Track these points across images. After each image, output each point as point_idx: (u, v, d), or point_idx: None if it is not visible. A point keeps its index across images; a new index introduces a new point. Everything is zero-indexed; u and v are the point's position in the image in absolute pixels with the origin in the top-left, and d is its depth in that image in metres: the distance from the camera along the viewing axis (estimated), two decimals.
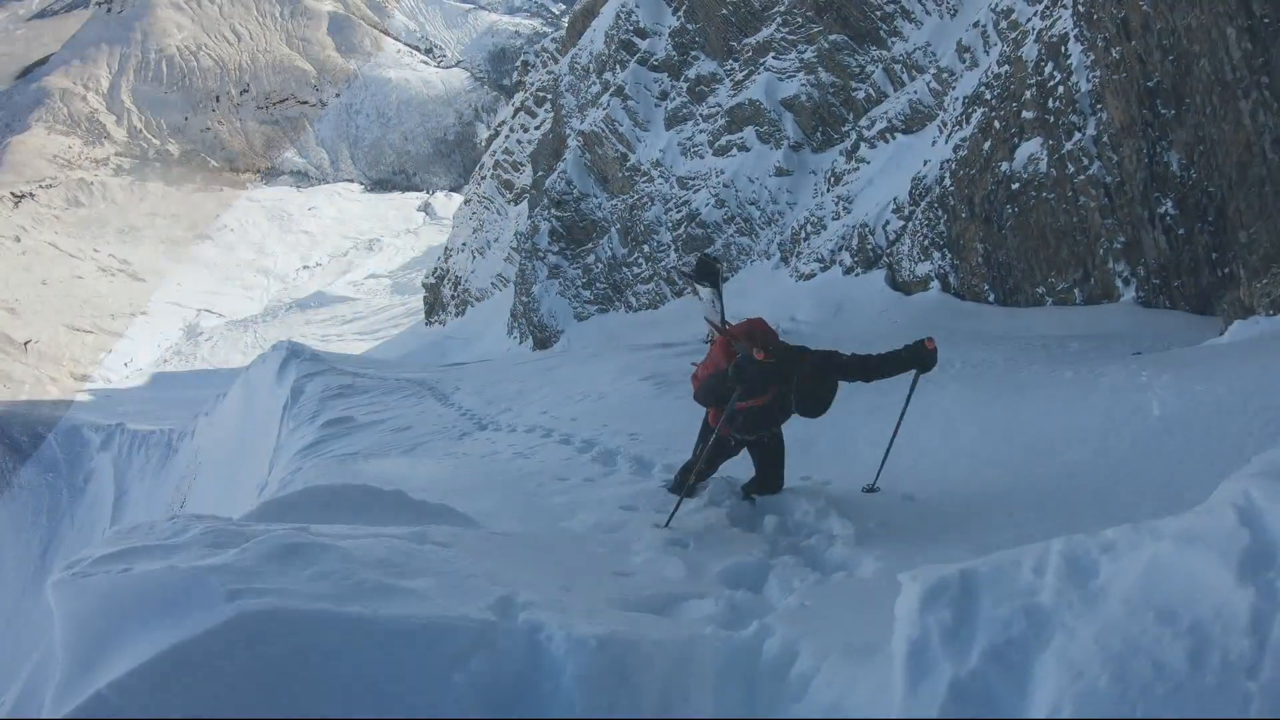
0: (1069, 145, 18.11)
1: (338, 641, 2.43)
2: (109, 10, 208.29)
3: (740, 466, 6.19)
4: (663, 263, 43.03)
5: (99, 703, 2.15)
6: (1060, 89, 18.53)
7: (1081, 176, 17.64)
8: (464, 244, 72.12)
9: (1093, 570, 2.07)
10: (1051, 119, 18.74)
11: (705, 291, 6.06)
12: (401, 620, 2.56)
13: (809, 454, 7.25)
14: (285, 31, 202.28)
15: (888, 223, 27.57)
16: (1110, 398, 6.77)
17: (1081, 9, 17.90)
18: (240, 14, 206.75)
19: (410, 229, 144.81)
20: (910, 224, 25.51)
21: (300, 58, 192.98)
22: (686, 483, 5.76)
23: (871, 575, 4.23)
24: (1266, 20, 10.63)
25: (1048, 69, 19.04)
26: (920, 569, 2.31)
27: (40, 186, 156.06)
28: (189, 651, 2.28)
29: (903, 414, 5.78)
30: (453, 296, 70.02)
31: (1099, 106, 17.27)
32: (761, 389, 5.17)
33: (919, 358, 5.14)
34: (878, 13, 33.44)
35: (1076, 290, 18.08)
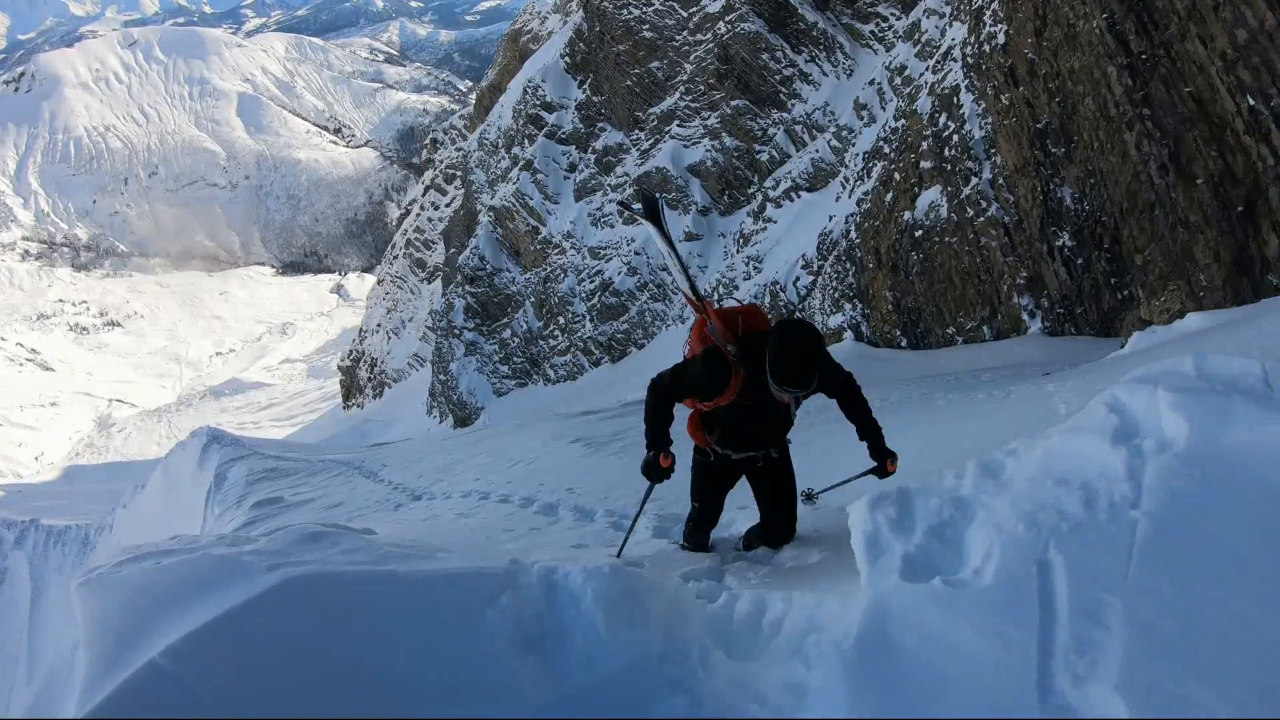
0: (967, 190, 18.67)
1: (380, 592, 2.63)
2: (16, 89, 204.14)
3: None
4: (579, 333, 43.02)
5: (153, 672, 2.17)
6: (955, 137, 19.17)
7: (981, 218, 18.17)
8: (379, 325, 71.32)
9: (1001, 468, 2.66)
10: (949, 166, 19.33)
11: (649, 228, 5.03)
12: (434, 573, 2.81)
13: None
14: (194, 113, 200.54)
15: (798, 279, 28.03)
16: (1020, 408, 6.90)
17: (970, 60, 18.64)
18: (149, 95, 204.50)
19: (324, 311, 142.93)
20: (820, 278, 25.93)
21: (209, 139, 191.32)
22: (693, 535, 5.12)
23: (819, 560, 4.23)
24: (1144, 56, 11.13)
25: (942, 119, 19.71)
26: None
27: None
28: (240, 614, 2.37)
29: (847, 481, 5.21)
30: (370, 379, 68.94)
31: (993, 151, 17.89)
32: (714, 385, 4.31)
33: (880, 469, 4.52)
34: (776, 77, 34.44)
35: (985, 327, 18.50)
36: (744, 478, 4.87)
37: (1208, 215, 9.65)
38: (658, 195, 5.22)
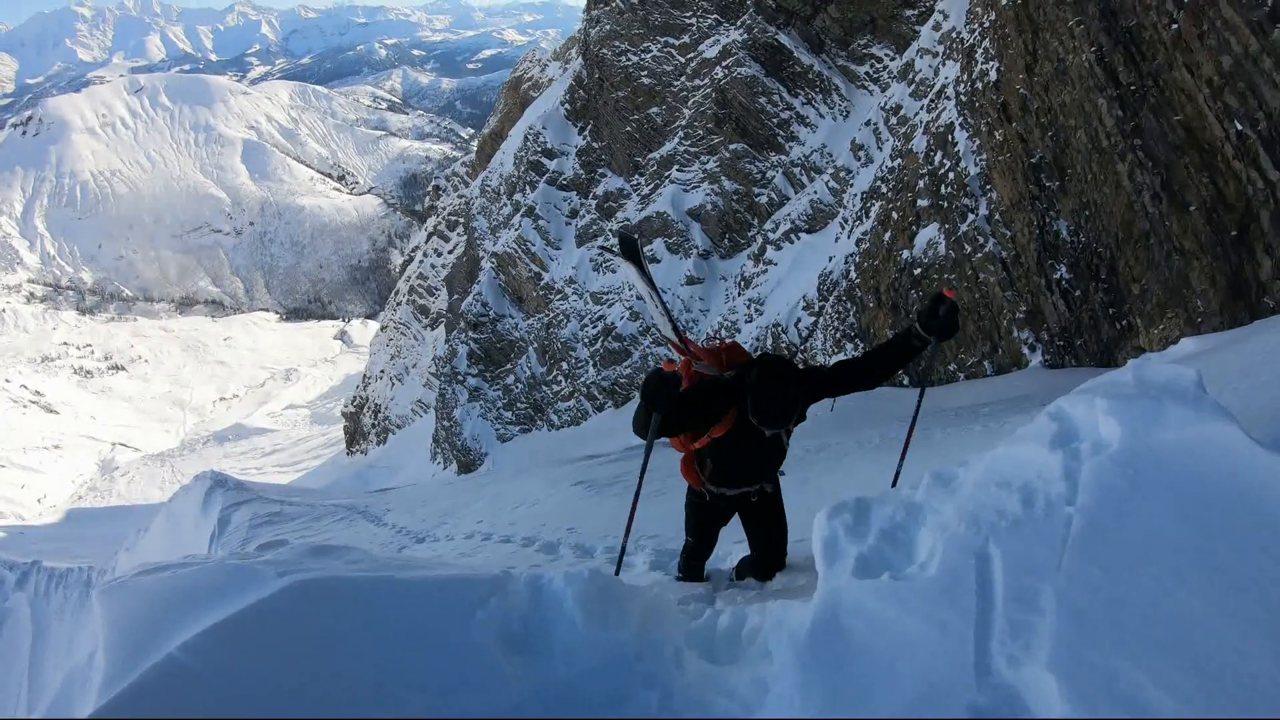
0: (964, 227, 18.72)
1: (379, 595, 2.86)
2: (24, 133, 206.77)
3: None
4: (581, 379, 43.01)
5: (171, 665, 2.31)
6: (951, 175, 19.27)
7: (979, 254, 18.20)
8: (382, 371, 71.38)
9: (952, 477, 2.85)
10: (945, 204, 19.41)
11: (630, 271, 4.89)
12: (431, 579, 3.05)
13: None
14: (199, 159, 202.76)
15: (799, 320, 28.06)
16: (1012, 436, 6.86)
17: (964, 99, 18.79)
18: (155, 141, 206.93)
19: (327, 358, 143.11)
20: (821, 319, 25.95)
21: (214, 185, 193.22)
22: (688, 566, 5.16)
23: (805, 584, 4.32)
24: (1133, 87, 11.21)
25: (938, 158, 19.83)
26: None
27: None
28: (253, 613, 2.55)
29: (917, 412, 4.92)
30: (373, 425, 68.85)
31: (988, 187, 17.96)
32: (702, 417, 4.20)
33: (935, 319, 3.98)
34: (774, 120, 34.76)
35: (986, 363, 18.43)
36: (737, 515, 4.83)
37: (1202, 241, 9.65)
38: (636, 237, 5.04)
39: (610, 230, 42.76)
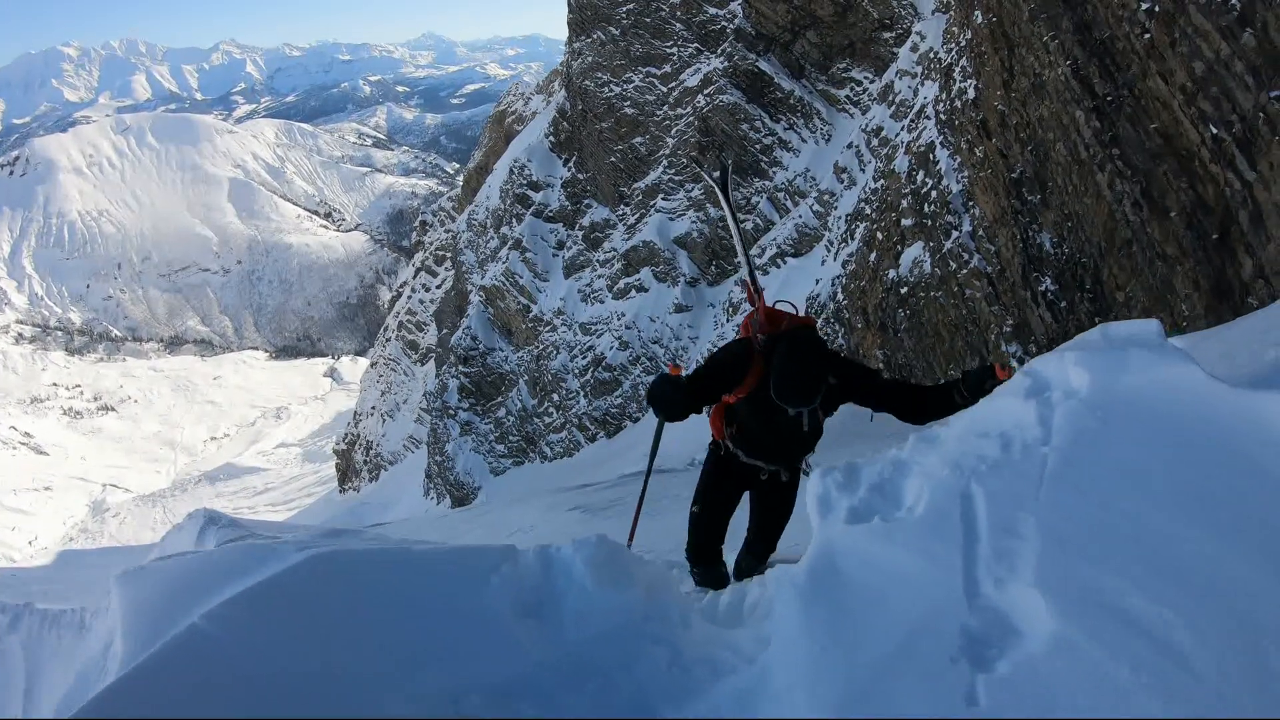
0: (948, 244, 18.80)
1: (395, 565, 2.98)
2: (10, 173, 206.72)
3: None
4: (573, 410, 42.93)
5: (194, 634, 2.36)
6: (934, 193, 19.38)
7: (964, 271, 18.27)
8: (373, 408, 71.17)
9: (935, 435, 2.97)
10: (929, 222, 19.51)
11: (715, 183, 4.97)
12: (444, 550, 3.24)
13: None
14: (186, 198, 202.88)
15: None
16: None
17: (944, 117, 18.95)
18: (142, 180, 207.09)
19: (318, 395, 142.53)
20: None
21: (201, 224, 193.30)
22: (693, 548, 4.70)
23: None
24: (1109, 98, 11.33)
25: (920, 177, 19.96)
26: None
27: None
28: (273, 584, 2.60)
29: None
30: (365, 462, 68.50)
31: (971, 204, 18.06)
32: (730, 366, 4.08)
33: (980, 393, 3.70)
34: (757, 146, 34.98)
35: None
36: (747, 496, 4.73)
37: (1184, 246, 9.72)
38: (729, 162, 5.04)
39: (613, 264, 42.77)
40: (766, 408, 4.07)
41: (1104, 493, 2.23)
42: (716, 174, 5.07)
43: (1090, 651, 1.94)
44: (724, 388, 4.14)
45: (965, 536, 2.38)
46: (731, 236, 4.84)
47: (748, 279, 4.69)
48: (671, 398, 3.86)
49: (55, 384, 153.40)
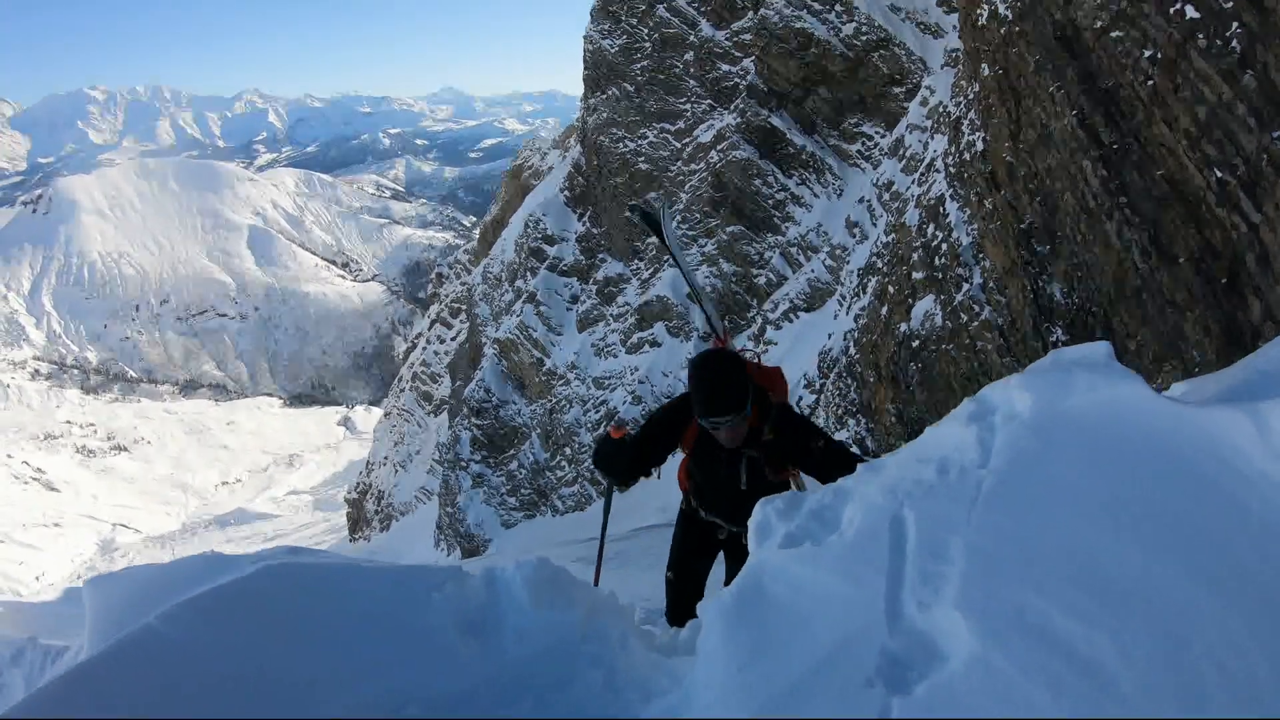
0: (960, 297, 18.73)
1: (346, 578, 3.04)
2: (34, 211, 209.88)
3: None
4: (585, 464, 42.71)
5: (146, 632, 2.43)
6: (944, 246, 19.37)
7: (975, 323, 18.17)
8: (386, 458, 71.07)
9: (882, 464, 2.95)
10: (940, 275, 19.46)
11: (644, 224, 5.03)
12: (393, 568, 3.30)
13: None
14: (206, 244, 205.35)
15: (801, 398, 27.93)
16: None
17: (953, 170, 19.00)
18: (163, 225, 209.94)
19: (330, 444, 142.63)
20: (823, 396, 25.86)
21: (220, 270, 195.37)
22: (671, 612, 4.87)
23: None
24: (1115, 146, 11.30)
25: (930, 230, 19.97)
26: None
27: None
28: (227, 590, 2.68)
29: None
30: (376, 511, 68.23)
31: (981, 256, 18.02)
32: (665, 422, 4.12)
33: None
34: (770, 201, 35.15)
35: None
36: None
37: (1193, 292, 9.60)
38: (659, 206, 5.13)
39: (626, 319, 42.87)
40: (708, 458, 4.11)
41: (1038, 513, 2.23)
42: (635, 216, 5.12)
43: (1008, 673, 1.92)
44: (665, 446, 4.15)
45: (892, 559, 2.38)
46: (682, 274, 4.88)
47: (705, 325, 4.65)
48: (611, 459, 3.88)
49: (69, 421, 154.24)
